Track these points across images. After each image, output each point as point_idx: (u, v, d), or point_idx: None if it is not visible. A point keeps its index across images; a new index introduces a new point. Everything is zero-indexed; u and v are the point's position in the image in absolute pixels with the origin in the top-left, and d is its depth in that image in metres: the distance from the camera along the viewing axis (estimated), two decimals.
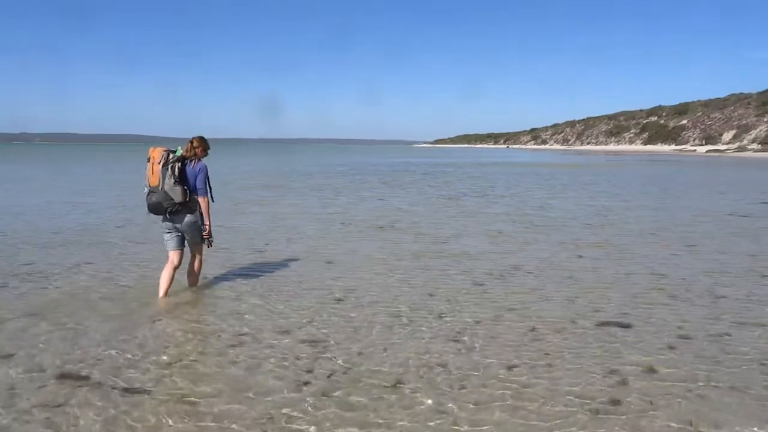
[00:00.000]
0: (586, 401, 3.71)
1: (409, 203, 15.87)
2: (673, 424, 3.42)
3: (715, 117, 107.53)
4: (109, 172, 32.07)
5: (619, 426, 3.40)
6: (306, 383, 3.97)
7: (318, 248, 8.85)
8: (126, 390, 3.83)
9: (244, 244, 9.20)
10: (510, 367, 4.26)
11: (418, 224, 11.66)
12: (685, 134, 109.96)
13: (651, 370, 4.21)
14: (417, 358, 4.43)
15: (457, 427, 3.39)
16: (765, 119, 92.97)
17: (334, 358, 4.43)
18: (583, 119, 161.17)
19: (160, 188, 5.77)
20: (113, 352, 4.50)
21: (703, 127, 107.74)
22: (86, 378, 4.02)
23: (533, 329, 5.12)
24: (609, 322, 5.31)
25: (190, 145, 6.00)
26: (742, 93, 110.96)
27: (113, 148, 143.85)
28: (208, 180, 6.03)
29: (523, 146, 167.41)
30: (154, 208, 5.86)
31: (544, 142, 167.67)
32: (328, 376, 4.08)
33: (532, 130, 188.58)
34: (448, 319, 5.41)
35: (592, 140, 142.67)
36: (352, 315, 5.52)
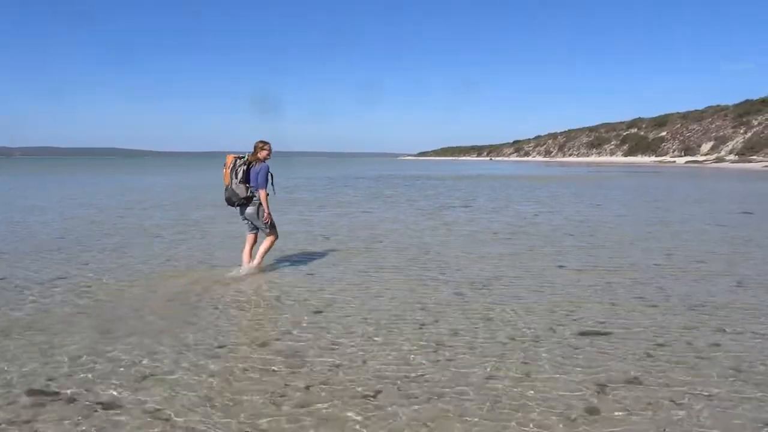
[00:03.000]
0: (564, 410, 3.71)
1: (392, 216, 15.88)
2: None
3: (694, 129, 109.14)
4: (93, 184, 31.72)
5: None
6: (282, 396, 3.92)
7: (298, 261, 8.81)
8: (98, 405, 3.75)
9: (224, 256, 9.12)
10: (488, 378, 4.24)
11: (399, 236, 11.67)
12: (664, 146, 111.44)
13: (628, 379, 4.22)
14: (395, 369, 4.40)
15: None
16: (741, 131, 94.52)
17: (312, 370, 4.39)
18: (565, 131, 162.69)
19: (229, 187, 7.47)
20: (86, 366, 4.42)
21: (682, 138, 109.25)
22: (57, 393, 3.93)
23: (513, 339, 5.12)
24: (588, 331, 5.33)
25: (255, 149, 7.56)
26: (719, 105, 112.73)
27: (99, 161, 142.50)
28: (271, 176, 7.60)
29: (506, 158, 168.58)
30: (227, 201, 7.61)
31: (527, 154, 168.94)
32: (306, 389, 4.04)
33: (515, 142, 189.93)
34: (427, 329, 5.39)
35: (574, 152, 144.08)
36: (330, 327, 5.48)
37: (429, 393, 3.96)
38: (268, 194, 7.55)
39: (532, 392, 3.97)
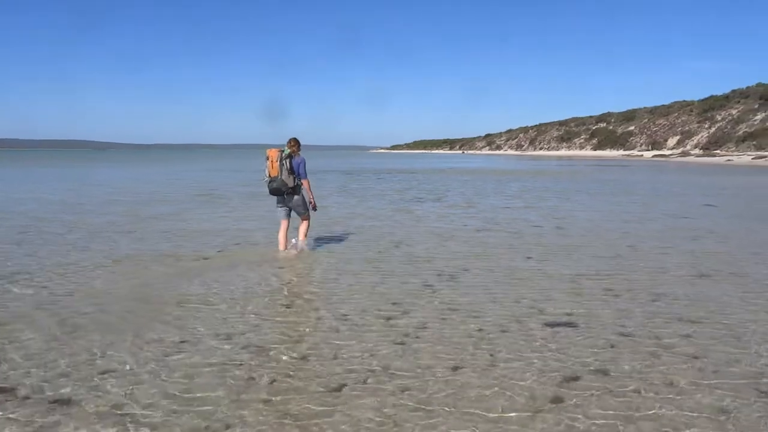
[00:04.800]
0: (529, 401, 3.73)
1: (362, 210, 15.84)
2: (610, 421, 3.47)
3: (660, 123, 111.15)
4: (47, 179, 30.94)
5: (558, 424, 3.43)
6: (246, 390, 3.86)
7: (266, 254, 8.71)
8: (54, 402, 3.65)
9: (191, 247, 8.98)
10: (454, 369, 4.25)
11: (369, 229, 11.63)
12: (632, 140, 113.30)
13: (592, 369, 4.26)
14: (361, 362, 4.38)
15: (397, 430, 3.35)
16: (706, 126, 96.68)
17: (277, 364, 4.34)
18: (536, 125, 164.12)
19: (279, 177, 8.14)
20: (44, 363, 4.30)
21: (649, 133, 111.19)
22: (11, 391, 3.81)
23: (480, 330, 5.13)
24: (554, 322, 5.38)
25: (289, 144, 8.30)
26: (684, 100, 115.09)
27: (65, 153, 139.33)
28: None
29: (479, 151, 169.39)
30: (275, 191, 8.30)
31: (499, 147, 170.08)
32: (270, 383, 3.99)
33: (487, 135, 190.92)
34: (394, 321, 5.37)
35: (545, 145, 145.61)
36: (298, 320, 5.43)
37: (395, 385, 3.94)
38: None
39: (497, 384, 3.98)
